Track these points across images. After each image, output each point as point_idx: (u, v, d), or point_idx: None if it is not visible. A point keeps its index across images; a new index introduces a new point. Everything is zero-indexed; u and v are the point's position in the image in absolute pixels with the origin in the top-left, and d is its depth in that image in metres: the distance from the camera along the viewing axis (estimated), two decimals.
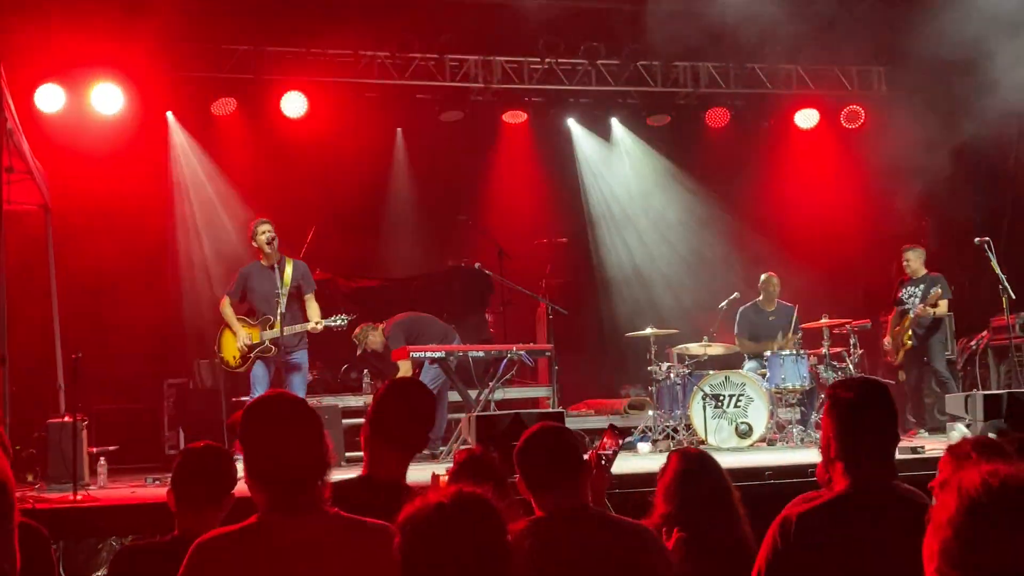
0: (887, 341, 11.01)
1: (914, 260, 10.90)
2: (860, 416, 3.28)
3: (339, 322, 9.40)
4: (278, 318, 8.96)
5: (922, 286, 10.68)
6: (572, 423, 9.78)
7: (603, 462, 4.04)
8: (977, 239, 10.08)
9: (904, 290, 10.87)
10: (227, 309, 9.33)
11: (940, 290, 10.53)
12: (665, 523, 4.07)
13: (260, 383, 9.05)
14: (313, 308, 9.30)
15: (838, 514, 3.14)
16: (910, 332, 10.69)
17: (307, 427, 2.76)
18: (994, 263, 9.83)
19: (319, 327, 9.19)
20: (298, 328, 9.11)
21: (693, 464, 4.23)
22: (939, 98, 12.49)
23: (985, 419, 8.47)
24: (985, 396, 8.69)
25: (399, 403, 3.67)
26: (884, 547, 3.05)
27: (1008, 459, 3.28)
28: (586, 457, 3.63)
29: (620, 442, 4.20)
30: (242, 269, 9.44)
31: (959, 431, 8.69)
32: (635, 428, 10.39)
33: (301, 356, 9.29)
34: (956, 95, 12.18)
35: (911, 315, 10.66)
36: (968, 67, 11.15)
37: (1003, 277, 9.84)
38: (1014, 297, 9.85)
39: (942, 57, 10.91)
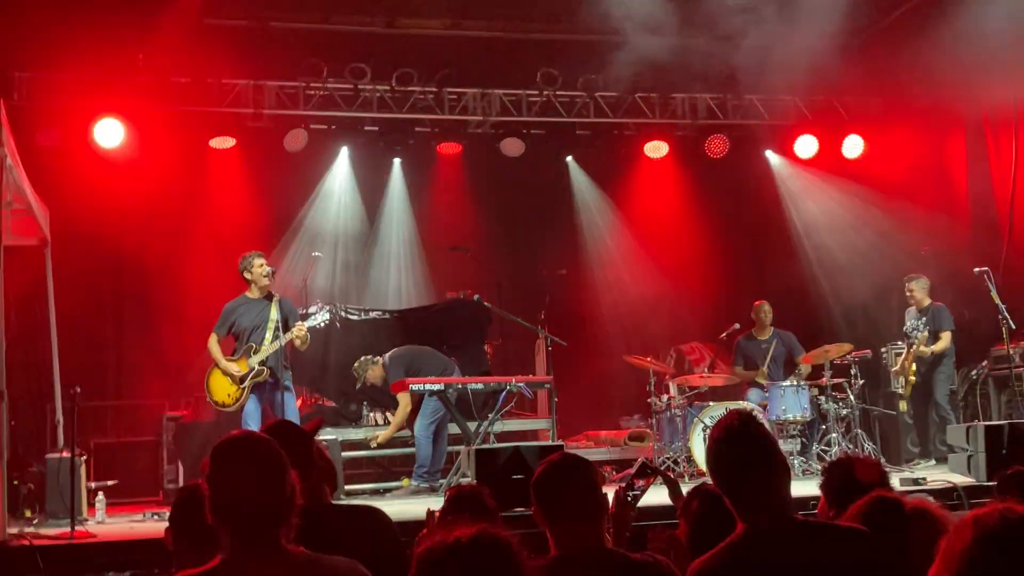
0: (894, 371, 10.79)
1: (917, 290, 10.75)
2: (728, 452, 3.19)
3: (320, 319, 9.30)
4: (265, 344, 8.90)
5: (924, 318, 10.55)
6: None
7: (628, 499, 3.99)
8: (976, 268, 10.10)
9: (910, 321, 10.70)
10: (215, 347, 9.09)
11: (926, 334, 10.39)
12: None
13: (252, 419, 8.87)
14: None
15: (734, 559, 3.05)
16: (914, 366, 10.54)
17: (271, 467, 2.75)
18: (993, 293, 9.84)
19: (302, 331, 8.93)
20: (283, 340, 8.85)
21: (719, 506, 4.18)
22: (934, 126, 12.59)
23: (987, 450, 8.44)
24: (986, 427, 8.66)
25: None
26: None
27: None
28: (607, 492, 3.52)
29: (652, 480, 4.15)
30: (228, 304, 9.19)
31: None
32: (635, 460, 10.34)
33: (287, 377, 9.04)
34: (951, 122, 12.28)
35: (913, 349, 10.53)
36: (960, 94, 11.22)
37: (1003, 307, 9.85)
38: (1014, 327, 9.85)
39: (937, 85, 11.00)
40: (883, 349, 11.21)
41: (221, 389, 9.08)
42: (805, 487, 8.29)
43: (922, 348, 10.40)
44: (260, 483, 2.72)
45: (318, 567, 2.74)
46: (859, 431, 10.17)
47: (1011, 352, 10.29)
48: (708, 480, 8.56)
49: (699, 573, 3.05)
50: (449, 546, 2.29)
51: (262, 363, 8.91)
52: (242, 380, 8.95)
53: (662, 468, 9.95)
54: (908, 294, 10.80)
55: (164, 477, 10.84)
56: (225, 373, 9.01)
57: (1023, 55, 10.31)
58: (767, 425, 3.31)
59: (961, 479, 8.47)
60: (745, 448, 3.17)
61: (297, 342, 8.96)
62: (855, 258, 12.88)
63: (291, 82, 11.68)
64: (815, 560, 3.01)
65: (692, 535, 3.99)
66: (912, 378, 10.55)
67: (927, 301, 10.74)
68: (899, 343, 10.91)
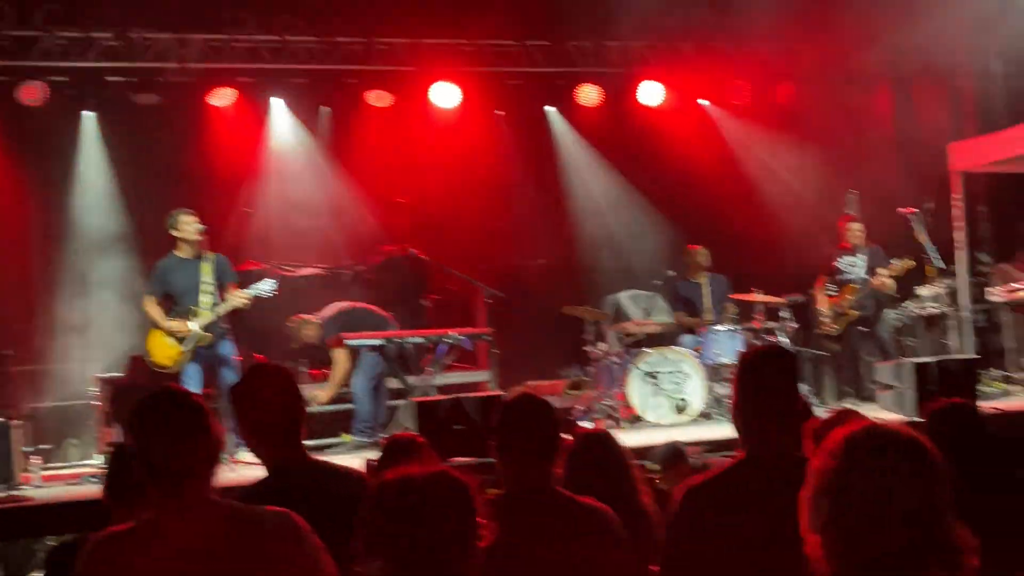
0: (824, 310, 10.90)
1: (860, 231, 10.88)
2: (756, 379, 3.30)
3: (266, 288, 9.08)
4: (203, 308, 8.79)
5: (864, 257, 10.70)
6: None
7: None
8: (906, 210, 10.30)
9: (843, 259, 10.84)
10: (152, 308, 8.93)
11: (901, 262, 10.51)
12: None
13: (193, 381, 8.74)
14: (236, 291, 9.02)
15: (728, 484, 3.17)
16: (854, 301, 10.63)
17: (195, 422, 2.76)
18: (922, 234, 10.04)
19: (247, 298, 8.89)
20: (225, 307, 8.82)
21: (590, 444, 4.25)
22: (864, 73, 12.75)
23: (916, 387, 8.66)
24: (916, 365, 8.88)
25: (259, 392, 3.55)
26: (774, 515, 2.98)
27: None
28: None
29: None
30: (158, 263, 9.02)
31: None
32: (574, 408, 10.46)
33: (228, 348, 9.01)
34: (882, 68, 12.46)
35: (858, 286, 10.60)
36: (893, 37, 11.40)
37: (930, 248, 10.06)
38: (944, 267, 10.07)
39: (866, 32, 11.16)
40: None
41: (161, 351, 8.93)
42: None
43: (888, 282, 10.49)
44: (182, 438, 2.72)
45: (245, 518, 2.75)
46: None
47: (939, 291, 10.52)
48: (642, 425, 8.59)
49: (688, 493, 3.17)
50: (407, 480, 2.30)
51: (203, 327, 8.79)
52: (184, 343, 8.83)
53: (601, 416, 10.11)
54: (850, 233, 10.88)
55: (102, 440, 10.72)
56: (167, 335, 8.87)
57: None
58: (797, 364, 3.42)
59: (892, 416, 8.68)
60: (772, 376, 3.29)
61: (240, 303, 8.86)
62: (785, 203, 13.04)
63: (218, 35, 11.46)
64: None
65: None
66: (854, 312, 10.62)
67: (863, 242, 10.87)
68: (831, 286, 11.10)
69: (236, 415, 3.52)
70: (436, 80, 12.38)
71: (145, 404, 2.80)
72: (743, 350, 10.13)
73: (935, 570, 1.99)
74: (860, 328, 10.81)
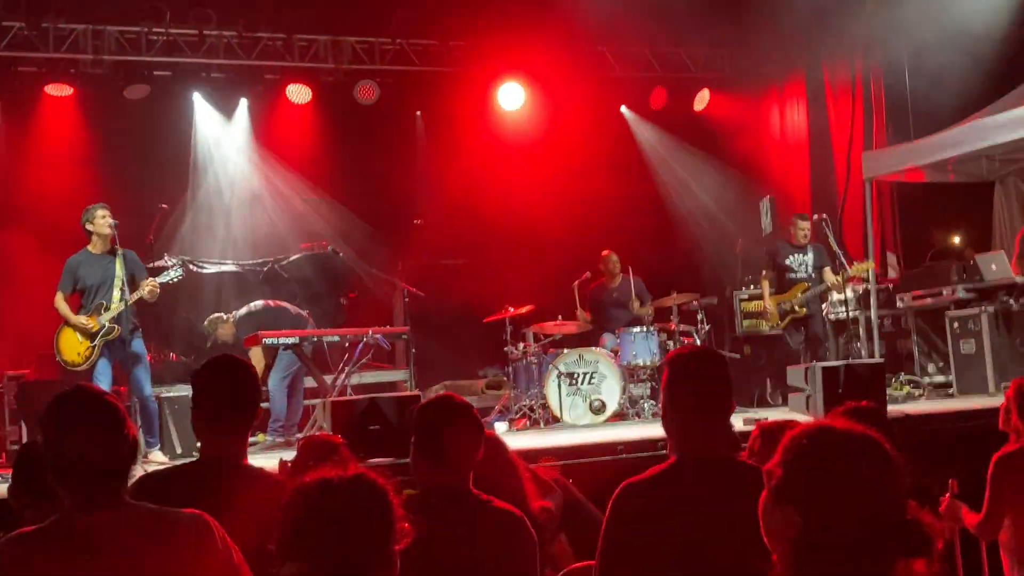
0: (770, 307, 10.68)
1: (808, 229, 10.70)
2: (685, 381, 3.32)
3: (173, 276, 8.92)
4: (114, 303, 8.65)
5: (811, 255, 10.64)
6: None
7: None
8: (816, 216, 10.52)
9: (792, 257, 10.70)
10: (62, 304, 8.74)
11: (863, 264, 10.57)
12: None
13: (103, 377, 8.58)
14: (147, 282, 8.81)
15: (661, 486, 3.18)
16: (802, 299, 10.51)
17: (109, 421, 2.72)
18: (831, 239, 10.26)
19: (156, 288, 8.70)
20: (134, 297, 8.61)
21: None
22: (778, 77, 13.02)
23: (824, 391, 8.83)
24: (824, 368, 9.05)
25: (220, 382, 3.55)
26: (707, 519, 3.08)
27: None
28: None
29: None
30: (69, 260, 8.81)
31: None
32: (492, 408, 10.49)
33: (139, 345, 8.82)
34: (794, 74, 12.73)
35: (807, 284, 10.51)
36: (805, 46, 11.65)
37: (840, 252, 10.28)
38: (849, 272, 10.30)
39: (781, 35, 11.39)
40: (737, 292, 11.59)
41: (71, 348, 8.73)
42: (655, 429, 8.56)
43: (837, 282, 10.42)
44: (98, 438, 2.68)
45: (160, 519, 2.72)
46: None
47: (846, 296, 10.75)
48: (560, 426, 8.60)
49: (625, 490, 3.18)
50: (324, 483, 2.29)
51: (113, 320, 8.65)
52: (92, 338, 8.65)
53: (518, 415, 10.15)
54: (800, 231, 10.68)
55: (6, 439, 10.45)
56: (76, 330, 8.71)
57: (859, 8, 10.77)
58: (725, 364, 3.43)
59: (801, 417, 8.84)
60: (698, 378, 3.29)
61: (147, 295, 8.73)
62: (700, 207, 13.25)
63: (133, 27, 11.27)
64: (736, 495, 3.12)
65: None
66: (801, 309, 10.50)
67: (809, 240, 10.76)
68: (750, 288, 11.27)
69: (193, 401, 3.50)
70: (357, 78, 12.36)
71: (58, 402, 2.74)
72: (672, 351, 10.25)
73: (903, 560, 2.04)
74: (804, 327, 10.68)
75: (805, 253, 10.69)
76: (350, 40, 12.18)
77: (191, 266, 11.10)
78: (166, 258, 10.20)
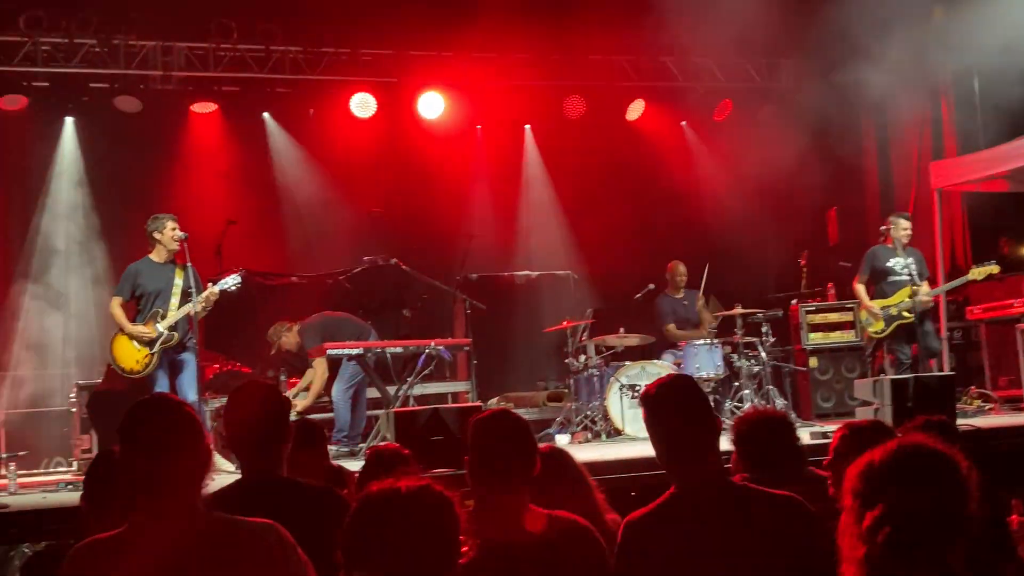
0: (874, 308, 10.18)
1: (909, 229, 10.17)
2: (662, 414, 3.27)
3: (231, 283, 8.98)
4: (171, 311, 8.67)
5: (912, 258, 10.12)
6: None
7: None
8: (883, 227, 10.35)
9: (894, 259, 10.16)
10: (117, 310, 8.76)
11: (985, 267, 9.97)
12: None
13: (163, 384, 8.65)
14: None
15: (662, 519, 3.14)
16: (910, 303, 9.96)
17: (186, 431, 2.75)
18: (899, 250, 10.09)
19: (215, 294, 8.74)
20: (193, 305, 8.63)
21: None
22: (846, 90, 12.84)
23: (893, 404, 8.68)
24: (893, 381, 8.91)
25: (247, 407, 3.60)
26: (712, 546, 3.04)
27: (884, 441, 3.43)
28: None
29: None
30: (129, 267, 8.87)
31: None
32: (554, 420, 10.48)
33: (191, 354, 8.82)
34: (862, 88, 12.55)
35: (914, 290, 9.91)
36: (872, 61, 11.50)
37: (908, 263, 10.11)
38: (918, 283, 10.11)
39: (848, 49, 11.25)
40: (803, 305, 11.49)
41: (128, 356, 8.74)
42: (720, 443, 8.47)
43: (927, 290, 10.00)
44: (174, 447, 2.71)
45: (233, 529, 2.73)
46: (770, 387, 10.40)
47: (915, 306, 10.56)
48: (623, 439, 8.54)
49: (628, 527, 3.15)
50: (391, 493, 2.29)
51: (171, 328, 8.71)
52: (151, 345, 8.68)
53: (579, 428, 10.12)
54: (903, 231, 10.17)
55: (77, 447, 10.65)
56: (132, 338, 8.75)
57: None
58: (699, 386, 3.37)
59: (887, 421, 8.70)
60: (677, 408, 3.24)
61: (200, 307, 8.75)
62: (763, 219, 13.13)
63: (202, 43, 11.47)
64: (741, 523, 3.08)
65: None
66: (909, 315, 9.98)
67: (909, 241, 10.28)
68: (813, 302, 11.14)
69: (224, 425, 3.56)
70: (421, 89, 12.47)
71: (136, 411, 2.79)
72: (721, 373, 10.19)
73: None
74: (911, 335, 10.15)
75: (907, 256, 10.12)
76: (414, 54, 12.27)
77: (256, 278, 11.24)
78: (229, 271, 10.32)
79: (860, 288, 10.40)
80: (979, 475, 2.12)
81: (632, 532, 3.15)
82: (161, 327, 8.68)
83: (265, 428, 3.52)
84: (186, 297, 8.65)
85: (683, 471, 3.21)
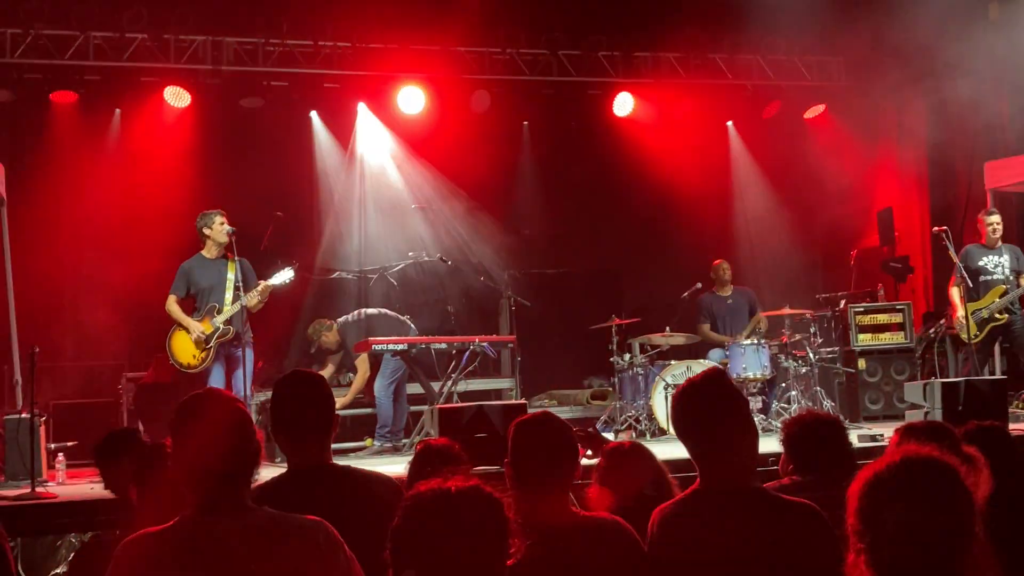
0: (964, 313, 9.78)
1: (1000, 225, 9.85)
2: (692, 411, 3.23)
3: (284, 278, 9.03)
4: (227, 305, 8.75)
5: (1006, 255, 9.87)
6: None
7: None
8: (935, 228, 10.18)
9: (986, 258, 9.89)
10: (174, 307, 8.87)
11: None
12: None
13: (217, 379, 8.74)
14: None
15: (684, 515, 3.14)
16: (1003, 304, 9.70)
17: (236, 426, 2.76)
18: (952, 252, 9.91)
19: (268, 288, 8.84)
20: (248, 298, 8.71)
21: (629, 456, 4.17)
22: (897, 89, 12.68)
23: (944, 407, 8.55)
24: (943, 384, 8.78)
25: (292, 394, 3.60)
26: (723, 545, 3.03)
27: (949, 444, 3.36)
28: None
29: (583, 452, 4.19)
30: (183, 264, 8.98)
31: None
32: (597, 419, 10.43)
33: (248, 354, 8.84)
34: (913, 87, 12.38)
35: (1006, 287, 9.72)
36: (925, 59, 11.34)
37: (960, 266, 9.93)
38: (971, 285, 9.95)
39: (900, 47, 11.09)
40: (852, 306, 11.35)
41: (185, 351, 8.87)
42: (766, 444, 8.39)
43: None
44: (225, 441, 2.72)
45: (281, 525, 2.74)
46: (818, 389, 10.28)
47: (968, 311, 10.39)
48: (667, 438, 8.48)
49: (657, 517, 3.17)
50: (442, 493, 2.28)
51: (226, 323, 8.80)
52: (207, 340, 8.79)
53: (624, 427, 10.06)
54: (989, 228, 9.98)
55: None
56: (189, 332, 8.87)
57: None
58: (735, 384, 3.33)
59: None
60: (709, 405, 3.19)
61: (255, 300, 8.85)
62: (812, 219, 13.00)
63: (251, 39, 11.54)
64: (752, 526, 3.06)
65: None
66: (1003, 316, 9.74)
67: (1001, 238, 9.99)
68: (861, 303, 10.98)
69: (270, 416, 3.57)
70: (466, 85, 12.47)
71: (187, 406, 2.80)
72: (768, 374, 10.09)
73: None
74: (999, 339, 9.91)
75: (1000, 254, 9.91)
76: (463, 50, 12.25)
77: (301, 273, 11.28)
78: (280, 264, 10.37)
79: (954, 292, 9.97)
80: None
81: (660, 522, 3.17)
82: (217, 321, 8.78)
83: (310, 417, 3.51)
84: (239, 291, 8.72)
85: (706, 468, 3.18)
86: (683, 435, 3.26)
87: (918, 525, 2.03)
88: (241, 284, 8.74)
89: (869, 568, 2.06)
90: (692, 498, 3.17)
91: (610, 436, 9.80)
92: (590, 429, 4.61)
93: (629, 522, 3.28)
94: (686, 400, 3.25)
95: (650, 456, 4.12)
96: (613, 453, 4.17)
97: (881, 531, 2.06)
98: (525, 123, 13.48)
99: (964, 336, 9.89)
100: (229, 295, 8.81)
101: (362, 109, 12.64)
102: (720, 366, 10.20)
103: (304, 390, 3.58)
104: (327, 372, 10.37)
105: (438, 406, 8.50)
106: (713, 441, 3.17)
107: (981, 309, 9.88)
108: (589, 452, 4.50)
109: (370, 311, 10.58)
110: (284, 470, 3.51)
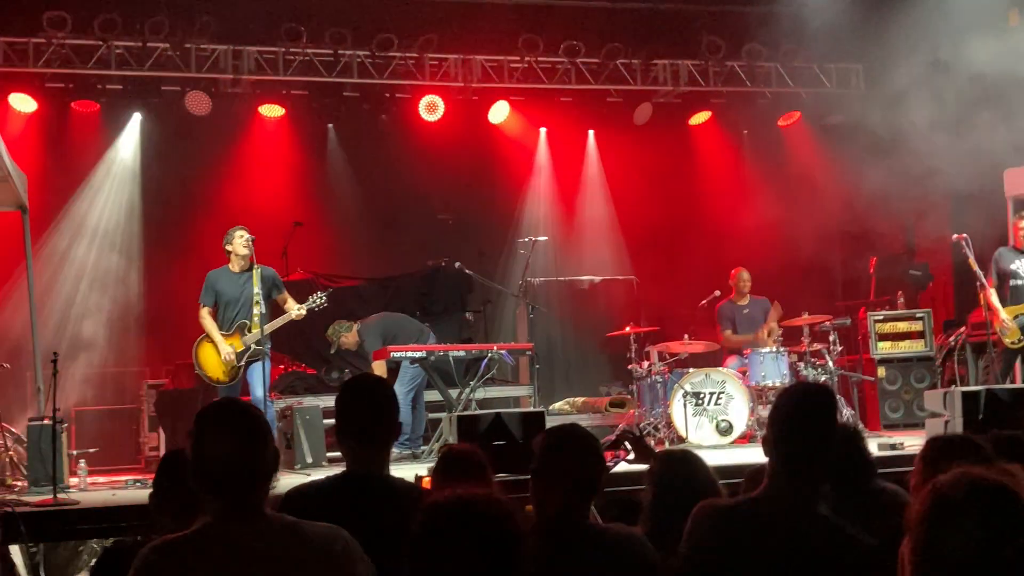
0: (1007, 320, 9.58)
1: None
2: (787, 417, 3.27)
3: (319, 301, 9.06)
4: (255, 319, 8.75)
5: None
6: (552, 421, 9.78)
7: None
8: (955, 235, 10.13)
9: (1018, 262, 9.71)
10: (208, 320, 8.78)
11: None
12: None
13: (258, 382, 8.68)
14: (290, 303, 8.97)
15: (735, 518, 3.17)
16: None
17: (254, 433, 2.79)
18: (971, 259, 9.85)
19: (302, 312, 8.87)
20: (281, 321, 8.80)
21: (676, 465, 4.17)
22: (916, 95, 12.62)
23: (964, 417, 8.50)
24: (963, 393, 8.72)
25: (359, 399, 3.62)
26: (775, 554, 3.05)
27: (980, 457, 3.33)
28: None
29: (624, 455, 4.20)
30: (209, 275, 8.94)
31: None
32: (616, 426, 10.42)
33: (266, 365, 8.77)
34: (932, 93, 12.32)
35: None
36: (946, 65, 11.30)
37: (980, 274, 9.87)
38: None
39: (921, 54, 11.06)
40: (871, 313, 11.29)
41: (215, 366, 8.77)
42: None
43: None
44: (244, 449, 2.75)
45: (299, 533, 2.76)
46: (838, 397, 10.22)
47: (988, 319, 10.31)
48: (686, 446, 8.50)
49: (704, 508, 3.21)
50: (454, 502, 2.30)
51: (258, 342, 8.75)
52: (239, 358, 8.72)
53: (644, 434, 10.04)
54: (1023, 232, 9.79)
55: (145, 445, 10.84)
56: (221, 350, 8.73)
57: None
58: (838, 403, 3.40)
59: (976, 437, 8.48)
60: (801, 420, 3.26)
61: (294, 317, 8.87)
62: (830, 226, 12.95)
63: (272, 47, 11.60)
64: (805, 536, 3.09)
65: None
66: None
67: None
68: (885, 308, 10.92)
69: (336, 418, 3.61)
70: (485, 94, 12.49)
71: (206, 413, 2.84)
72: (787, 381, 10.04)
73: None
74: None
75: None
76: (479, 59, 12.29)
77: (321, 280, 11.34)
78: (305, 280, 10.38)
79: (991, 295, 9.74)
80: None
81: (700, 517, 3.20)
82: (248, 340, 8.72)
83: (372, 422, 3.54)
84: (265, 301, 8.71)
85: (773, 480, 3.22)
86: (773, 439, 3.28)
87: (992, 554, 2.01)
88: (265, 296, 8.71)
89: None
90: (752, 503, 3.21)
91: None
92: (636, 433, 4.60)
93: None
94: (786, 408, 3.32)
95: (702, 463, 4.12)
96: (666, 459, 4.18)
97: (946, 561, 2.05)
98: (542, 129, 13.48)
99: (1007, 341, 9.67)
100: (256, 310, 8.74)
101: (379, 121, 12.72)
102: (739, 374, 10.19)
103: (377, 398, 3.61)
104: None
105: (456, 414, 8.52)
106: (795, 454, 3.22)
107: (1021, 315, 9.67)
108: (631, 456, 4.49)
109: (390, 315, 10.61)
110: (308, 477, 3.53)
